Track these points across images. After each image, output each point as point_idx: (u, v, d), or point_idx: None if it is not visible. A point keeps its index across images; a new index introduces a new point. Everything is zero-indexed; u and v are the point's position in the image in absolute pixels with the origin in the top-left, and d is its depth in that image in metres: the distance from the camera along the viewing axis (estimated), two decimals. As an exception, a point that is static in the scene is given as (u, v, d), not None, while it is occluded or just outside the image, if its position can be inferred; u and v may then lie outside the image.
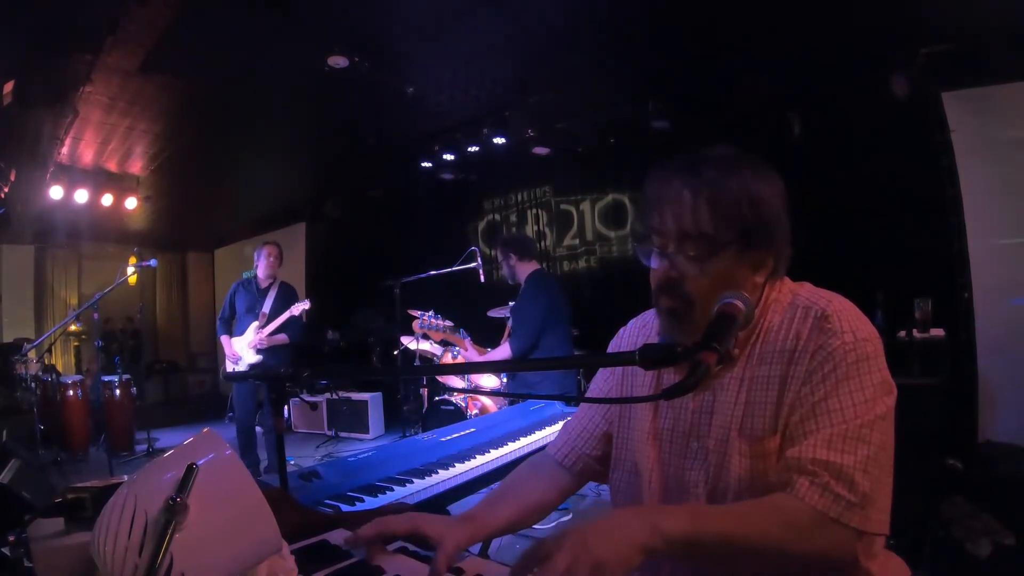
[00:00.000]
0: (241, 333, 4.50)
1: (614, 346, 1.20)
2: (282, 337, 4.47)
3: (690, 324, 0.93)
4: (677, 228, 0.92)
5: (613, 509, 0.82)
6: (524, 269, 3.42)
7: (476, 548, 1.21)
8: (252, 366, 4.42)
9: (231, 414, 5.38)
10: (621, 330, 1.21)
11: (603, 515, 0.80)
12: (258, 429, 4.71)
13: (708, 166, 0.93)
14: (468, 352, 3.59)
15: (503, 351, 3.35)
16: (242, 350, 4.47)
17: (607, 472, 1.13)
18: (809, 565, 0.81)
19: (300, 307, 4.42)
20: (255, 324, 4.43)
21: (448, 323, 3.80)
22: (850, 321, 0.89)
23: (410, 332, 4.33)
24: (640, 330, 1.17)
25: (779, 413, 0.89)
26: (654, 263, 0.96)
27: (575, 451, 1.16)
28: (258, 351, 4.43)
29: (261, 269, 4.54)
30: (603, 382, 1.18)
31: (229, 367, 4.54)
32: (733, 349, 0.83)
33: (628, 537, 0.76)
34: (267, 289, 4.55)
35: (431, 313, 3.75)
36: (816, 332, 0.89)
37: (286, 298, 4.54)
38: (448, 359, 4.37)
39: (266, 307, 4.47)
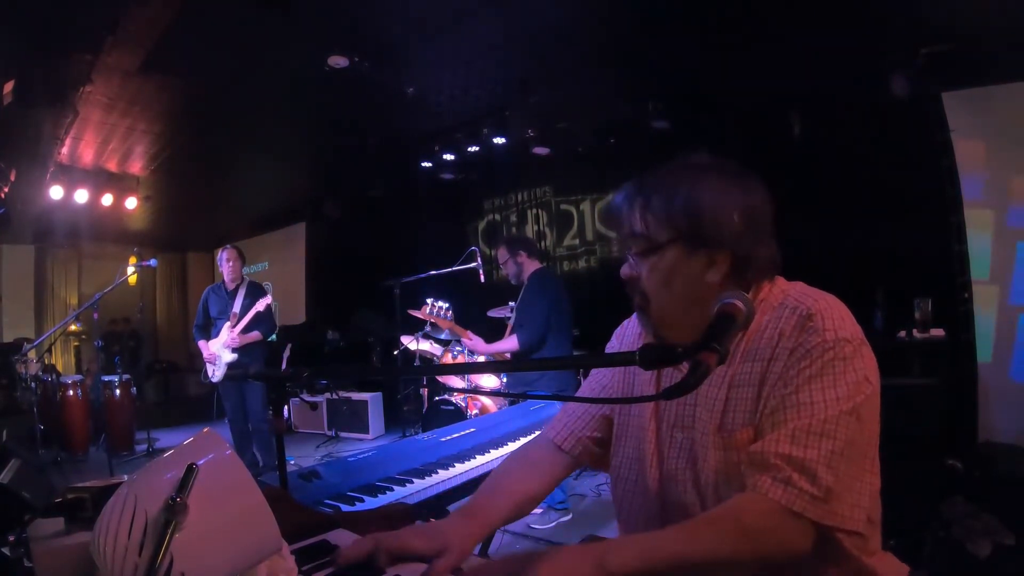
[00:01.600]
0: (216, 335, 4.60)
1: (616, 337, 1.23)
2: (255, 334, 4.57)
3: (648, 318, 1.01)
4: (623, 232, 1.02)
5: (557, 548, 0.83)
6: (530, 267, 3.47)
7: (476, 548, 1.20)
8: (229, 365, 4.52)
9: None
10: (625, 322, 1.23)
11: (551, 549, 0.82)
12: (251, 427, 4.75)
13: (652, 178, 1.00)
14: (473, 341, 3.59)
15: (510, 342, 3.36)
16: (218, 350, 4.56)
17: (604, 455, 1.15)
18: (772, 563, 0.81)
19: (263, 303, 4.54)
20: (227, 324, 4.54)
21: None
22: (833, 320, 0.89)
23: (410, 332, 4.34)
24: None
25: (756, 408, 0.91)
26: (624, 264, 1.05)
27: (575, 434, 1.16)
28: (233, 350, 4.52)
29: (225, 274, 4.67)
30: (604, 370, 1.20)
31: (209, 369, 4.63)
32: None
33: (572, 573, 0.77)
34: (235, 290, 4.66)
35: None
36: (798, 330, 0.90)
37: (254, 296, 4.62)
38: (448, 359, 4.37)
39: (236, 307, 4.57)
